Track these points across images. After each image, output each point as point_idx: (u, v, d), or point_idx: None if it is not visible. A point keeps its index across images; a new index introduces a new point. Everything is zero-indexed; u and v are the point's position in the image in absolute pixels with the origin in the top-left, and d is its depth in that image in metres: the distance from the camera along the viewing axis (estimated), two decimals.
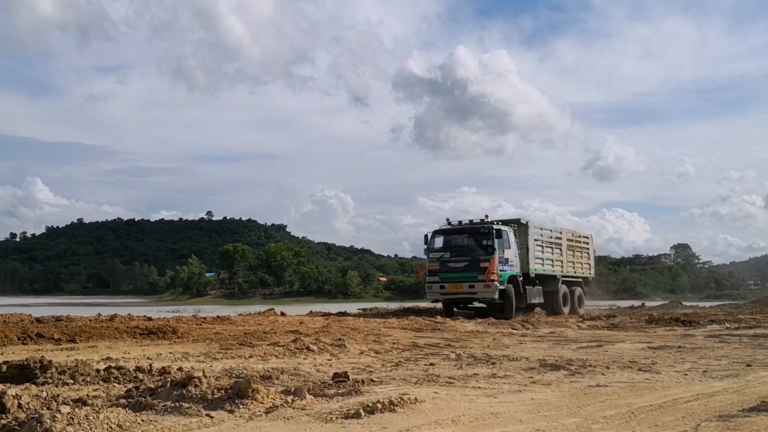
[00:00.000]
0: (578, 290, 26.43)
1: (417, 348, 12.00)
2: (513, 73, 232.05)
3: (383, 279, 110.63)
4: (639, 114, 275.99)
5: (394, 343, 12.57)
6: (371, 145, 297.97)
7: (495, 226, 21.42)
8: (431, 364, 9.41)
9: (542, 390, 7.23)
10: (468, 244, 21.90)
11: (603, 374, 8.45)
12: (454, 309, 22.72)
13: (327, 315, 22.24)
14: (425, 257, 22.89)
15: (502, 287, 21.15)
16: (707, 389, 7.30)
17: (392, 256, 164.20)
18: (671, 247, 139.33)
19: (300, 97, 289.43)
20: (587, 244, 28.13)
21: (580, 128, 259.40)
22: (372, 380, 7.57)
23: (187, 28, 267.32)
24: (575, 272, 26.45)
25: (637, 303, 39.00)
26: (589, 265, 28.07)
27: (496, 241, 21.12)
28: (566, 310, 24.63)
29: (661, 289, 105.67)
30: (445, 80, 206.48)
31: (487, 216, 22.51)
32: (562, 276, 25.13)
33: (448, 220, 23.06)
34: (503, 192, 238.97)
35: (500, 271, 21.20)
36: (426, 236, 22.53)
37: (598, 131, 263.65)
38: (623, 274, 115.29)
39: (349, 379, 7.29)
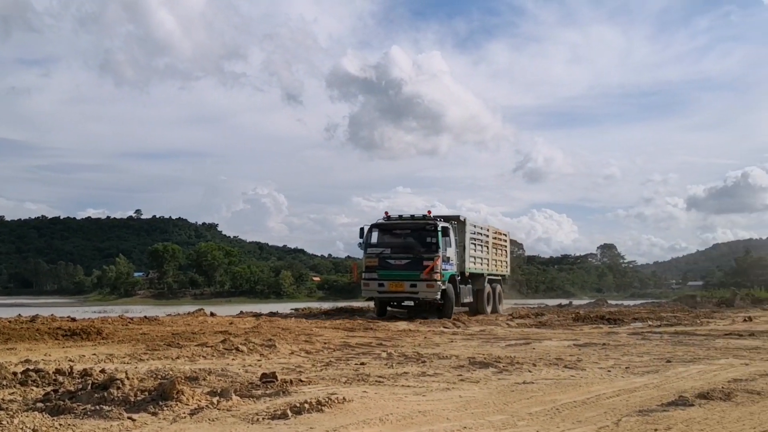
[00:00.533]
0: (498, 288, 26.24)
1: (348, 347, 11.96)
2: (447, 75, 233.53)
3: (317, 279, 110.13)
4: (568, 117, 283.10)
5: (325, 343, 12.50)
6: (305, 144, 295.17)
7: (441, 224, 20.74)
8: (362, 364, 9.40)
9: (470, 388, 7.32)
10: (411, 240, 21.03)
11: (530, 371, 8.62)
12: (387, 308, 22.21)
13: (258, 315, 21.76)
14: (362, 252, 21.55)
15: (443, 287, 20.49)
16: (629, 385, 7.52)
17: (326, 255, 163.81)
18: (597, 248, 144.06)
19: (232, 94, 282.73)
20: (505, 241, 28.15)
21: (511, 130, 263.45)
22: (301, 380, 7.51)
23: (116, 21, 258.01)
24: (497, 270, 26.33)
25: (564, 301, 39.84)
26: (507, 262, 28.12)
27: (441, 239, 20.43)
28: (489, 308, 24.45)
29: (588, 288, 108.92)
30: (379, 80, 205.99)
31: (429, 212, 21.57)
32: (488, 274, 24.88)
33: (386, 213, 21.88)
34: (437, 192, 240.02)
35: (443, 270, 20.48)
36: (362, 229, 21.43)
37: (529, 134, 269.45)
38: (552, 274, 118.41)
39: (277, 380, 7.22)
